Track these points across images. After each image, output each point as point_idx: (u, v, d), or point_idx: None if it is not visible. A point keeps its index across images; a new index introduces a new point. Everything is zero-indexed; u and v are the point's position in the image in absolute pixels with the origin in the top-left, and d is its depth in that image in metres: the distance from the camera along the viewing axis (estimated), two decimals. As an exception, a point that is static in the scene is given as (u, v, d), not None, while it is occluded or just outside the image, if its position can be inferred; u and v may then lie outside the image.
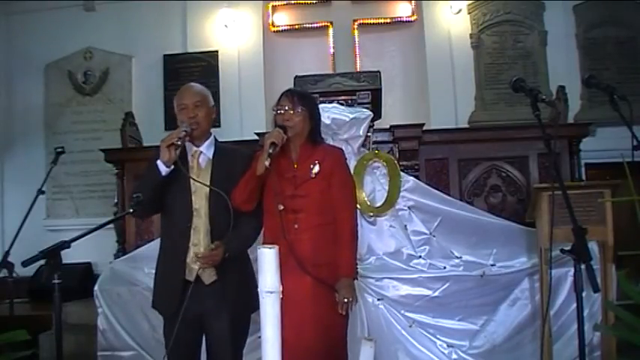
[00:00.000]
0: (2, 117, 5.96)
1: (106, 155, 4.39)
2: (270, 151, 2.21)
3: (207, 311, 2.25)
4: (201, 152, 2.35)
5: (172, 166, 2.20)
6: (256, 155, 2.39)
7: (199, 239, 2.25)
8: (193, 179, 2.25)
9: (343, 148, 2.75)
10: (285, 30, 5.89)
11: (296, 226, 2.29)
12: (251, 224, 2.33)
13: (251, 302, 2.30)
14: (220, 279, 2.25)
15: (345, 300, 2.26)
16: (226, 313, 2.24)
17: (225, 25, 5.71)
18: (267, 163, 2.19)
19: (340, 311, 2.27)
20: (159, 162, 2.20)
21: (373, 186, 3.42)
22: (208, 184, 2.26)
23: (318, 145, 2.43)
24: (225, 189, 2.22)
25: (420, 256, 3.31)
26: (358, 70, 5.34)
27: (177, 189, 2.27)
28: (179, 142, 2.19)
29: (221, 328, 2.24)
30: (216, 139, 2.42)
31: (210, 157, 2.35)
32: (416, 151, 3.87)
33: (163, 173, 2.20)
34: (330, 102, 3.48)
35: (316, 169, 2.34)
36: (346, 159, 2.51)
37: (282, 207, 2.28)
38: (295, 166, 2.37)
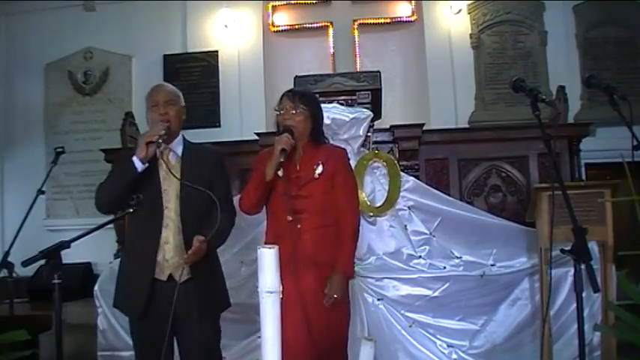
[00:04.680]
0: (2, 117, 5.97)
1: (106, 155, 4.39)
2: (282, 159, 2.21)
3: (177, 310, 2.18)
4: (170, 150, 2.32)
5: (147, 164, 2.19)
6: (260, 156, 2.39)
7: (169, 238, 2.22)
8: (171, 173, 2.22)
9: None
10: (285, 30, 5.89)
11: (298, 226, 2.29)
12: (225, 220, 2.28)
13: (221, 301, 2.33)
14: (193, 278, 2.22)
15: (334, 296, 2.24)
16: (197, 311, 2.22)
17: (225, 25, 5.71)
18: (280, 173, 2.22)
19: (325, 304, 2.25)
20: (135, 158, 2.18)
21: (373, 186, 3.42)
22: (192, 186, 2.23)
23: (321, 145, 2.42)
24: (197, 183, 2.20)
25: (420, 256, 3.31)
26: (358, 70, 5.34)
27: (147, 187, 2.23)
28: (161, 140, 2.18)
29: (192, 327, 2.22)
30: (184, 138, 2.40)
31: (179, 154, 2.33)
32: (416, 151, 3.87)
33: (139, 170, 2.18)
34: (330, 102, 3.48)
35: (319, 169, 2.33)
36: (349, 159, 2.51)
37: (290, 218, 2.28)
38: (298, 167, 2.37)
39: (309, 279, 2.25)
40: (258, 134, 3.78)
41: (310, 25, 5.84)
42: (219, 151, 2.49)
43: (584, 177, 4.45)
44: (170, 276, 2.21)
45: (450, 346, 3.14)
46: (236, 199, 2.47)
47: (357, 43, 5.73)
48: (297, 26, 5.87)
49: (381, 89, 3.83)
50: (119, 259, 3.75)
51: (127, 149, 4.59)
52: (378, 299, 3.17)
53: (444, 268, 3.26)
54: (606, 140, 4.49)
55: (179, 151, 2.34)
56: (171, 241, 2.22)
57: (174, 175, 2.22)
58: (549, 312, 2.85)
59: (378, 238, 3.36)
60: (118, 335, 3.37)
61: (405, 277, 3.21)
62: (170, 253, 2.22)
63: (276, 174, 2.25)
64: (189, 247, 2.18)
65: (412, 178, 3.53)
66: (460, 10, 5.55)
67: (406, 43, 5.81)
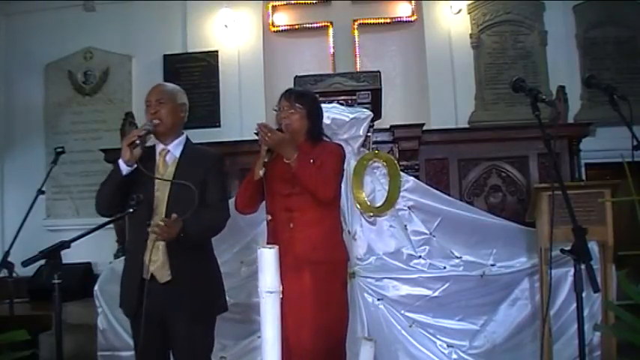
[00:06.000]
0: (2, 117, 5.97)
1: (106, 155, 4.39)
2: (266, 159, 2.21)
3: (166, 311, 2.20)
4: (168, 151, 2.32)
5: (134, 165, 2.18)
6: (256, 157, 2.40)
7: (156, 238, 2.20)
8: (150, 176, 2.21)
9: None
10: (285, 30, 5.89)
11: (291, 225, 2.30)
12: (213, 215, 2.28)
13: (213, 303, 2.29)
14: (175, 279, 2.20)
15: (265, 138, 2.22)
16: (184, 313, 2.19)
17: (225, 25, 5.71)
18: (261, 172, 2.20)
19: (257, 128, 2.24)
20: (120, 161, 2.19)
21: (373, 186, 3.41)
22: (179, 181, 2.22)
23: (319, 144, 2.42)
24: (187, 187, 2.16)
25: (420, 256, 3.31)
26: (358, 70, 5.34)
27: (141, 187, 2.23)
28: (138, 141, 2.17)
29: (180, 328, 2.20)
30: (188, 139, 2.39)
31: (177, 155, 2.32)
32: (416, 151, 3.87)
33: (124, 172, 2.19)
34: (330, 102, 3.47)
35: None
36: (345, 155, 2.50)
37: (269, 217, 2.32)
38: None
39: (305, 278, 2.24)
40: (258, 134, 3.77)
41: (310, 25, 5.84)
42: (217, 153, 2.47)
43: (584, 177, 4.45)
44: (153, 276, 2.20)
45: (450, 346, 3.14)
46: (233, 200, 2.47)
47: (357, 43, 5.72)
48: (297, 26, 5.86)
49: (381, 89, 3.83)
50: (119, 259, 3.78)
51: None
52: (378, 299, 3.17)
53: (444, 268, 3.26)
54: (606, 140, 4.49)
55: (177, 152, 2.33)
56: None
57: (150, 176, 2.21)
58: (549, 312, 2.84)
59: (378, 238, 3.35)
60: (118, 335, 3.37)
61: (405, 277, 3.21)
62: (155, 253, 2.20)
63: (267, 174, 2.24)
64: (171, 249, 2.18)
65: (412, 178, 3.53)
66: (460, 10, 5.55)
67: (406, 43, 5.81)
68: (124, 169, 2.19)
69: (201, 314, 2.26)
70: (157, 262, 2.20)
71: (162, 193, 2.25)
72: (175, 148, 2.33)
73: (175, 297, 2.19)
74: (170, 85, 2.45)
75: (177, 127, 2.35)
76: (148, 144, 2.31)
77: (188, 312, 2.20)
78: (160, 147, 2.34)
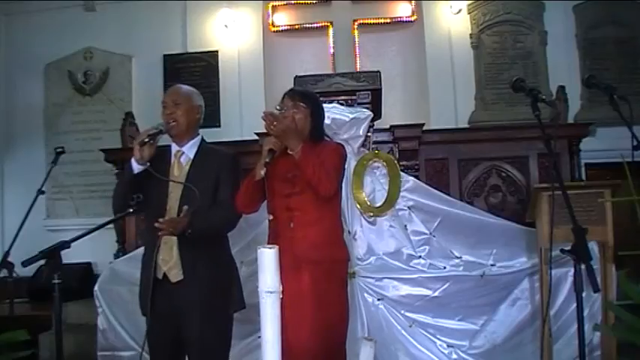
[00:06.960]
0: (2, 117, 5.97)
1: (106, 155, 4.40)
2: (267, 160, 2.21)
3: (178, 311, 2.22)
4: (182, 152, 2.36)
5: (147, 164, 2.23)
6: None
7: (169, 238, 2.22)
8: (158, 177, 2.24)
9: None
10: (285, 30, 5.88)
11: (291, 224, 2.30)
12: (220, 213, 2.31)
13: (227, 301, 2.31)
14: (187, 279, 2.22)
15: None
16: (196, 313, 2.20)
17: (225, 25, 5.71)
18: (262, 172, 2.21)
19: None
20: (132, 160, 2.24)
21: (373, 186, 3.42)
22: (184, 182, 2.26)
23: (320, 143, 2.42)
24: (200, 188, 2.20)
25: (420, 256, 3.31)
26: (358, 70, 5.33)
27: (156, 189, 2.26)
28: (147, 140, 2.20)
29: (192, 328, 2.21)
30: (203, 140, 2.43)
31: (191, 157, 2.36)
32: (416, 151, 3.88)
33: (135, 171, 2.24)
34: (330, 102, 3.47)
35: None
36: (346, 154, 2.49)
37: (271, 217, 2.33)
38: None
39: (305, 277, 2.24)
40: (258, 134, 3.77)
41: (310, 25, 5.84)
42: (231, 152, 2.51)
43: (584, 177, 4.45)
44: (165, 276, 2.23)
45: (450, 346, 3.14)
46: None
47: (357, 43, 5.72)
48: (297, 26, 5.86)
49: (381, 89, 3.83)
50: (119, 259, 3.78)
51: (127, 149, 4.60)
52: (378, 299, 3.18)
53: (444, 268, 3.26)
54: (606, 140, 4.48)
55: (192, 153, 2.37)
56: (168, 241, 2.23)
57: (159, 177, 2.24)
58: (549, 312, 2.85)
59: (378, 238, 3.36)
60: (118, 335, 3.37)
61: (405, 277, 3.22)
62: (168, 253, 2.23)
63: (268, 174, 2.25)
64: (183, 249, 2.21)
65: (412, 178, 3.53)
66: (460, 10, 5.55)
67: (406, 43, 5.80)
68: (136, 167, 2.24)
69: (214, 313, 2.26)
70: (169, 261, 2.23)
71: (175, 193, 2.28)
72: (190, 149, 2.37)
73: (187, 297, 2.20)
74: (186, 87, 2.50)
75: (192, 129, 2.40)
76: (164, 143, 2.34)
77: (200, 311, 2.21)
78: (175, 148, 2.38)
